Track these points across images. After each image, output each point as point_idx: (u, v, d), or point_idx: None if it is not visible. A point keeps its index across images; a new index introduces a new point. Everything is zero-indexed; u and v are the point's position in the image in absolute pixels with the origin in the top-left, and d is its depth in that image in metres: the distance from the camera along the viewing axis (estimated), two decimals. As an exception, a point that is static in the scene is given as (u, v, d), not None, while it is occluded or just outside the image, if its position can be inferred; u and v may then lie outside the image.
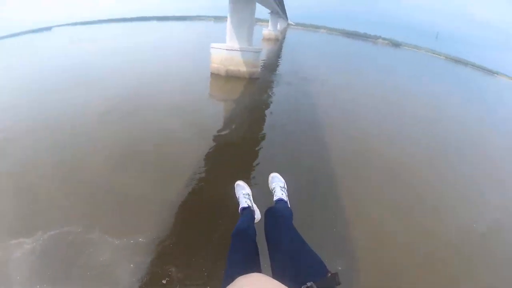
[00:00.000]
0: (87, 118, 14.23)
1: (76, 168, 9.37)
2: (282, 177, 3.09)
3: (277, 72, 30.91)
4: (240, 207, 2.87)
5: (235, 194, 3.04)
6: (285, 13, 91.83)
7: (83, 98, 17.61)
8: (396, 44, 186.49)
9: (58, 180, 8.69)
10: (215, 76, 25.13)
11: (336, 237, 7.09)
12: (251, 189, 3.16)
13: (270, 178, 3.06)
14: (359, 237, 7.20)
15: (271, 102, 19.37)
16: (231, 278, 1.49)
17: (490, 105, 37.50)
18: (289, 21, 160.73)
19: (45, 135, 11.89)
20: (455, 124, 22.62)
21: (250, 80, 25.03)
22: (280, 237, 1.93)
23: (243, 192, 2.97)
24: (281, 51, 52.73)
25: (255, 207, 2.96)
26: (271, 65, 35.35)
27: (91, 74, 23.79)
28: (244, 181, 3.10)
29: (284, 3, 58.54)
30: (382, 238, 7.48)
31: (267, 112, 17.43)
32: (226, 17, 25.04)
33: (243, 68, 24.90)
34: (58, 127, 12.85)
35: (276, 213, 2.28)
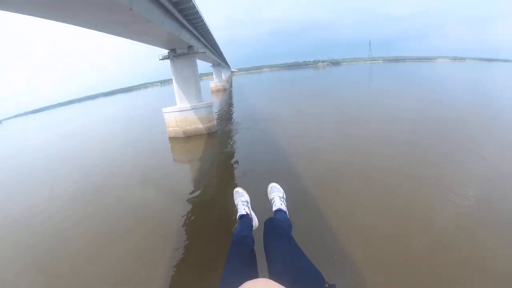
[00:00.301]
0: (59, 204, 14.01)
1: (53, 262, 9.23)
2: (281, 187, 3.10)
3: (233, 120, 31.77)
4: (238, 214, 2.86)
5: (233, 201, 3.05)
6: (227, 63, 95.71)
7: (48, 185, 17.36)
8: (335, 63, 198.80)
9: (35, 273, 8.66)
10: (173, 139, 25.41)
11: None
12: (249, 196, 3.15)
13: (269, 188, 3.06)
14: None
15: (235, 151, 19.85)
16: (228, 285, 1.54)
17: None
18: (232, 69, 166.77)
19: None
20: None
21: (209, 135, 25.54)
22: (278, 249, 1.96)
23: (242, 199, 2.97)
24: (231, 99, 54.21)
25: (253, 215, 2.96)
26: (226, 114, 36.31)
27: (51, 161, 23.46)
28: (243, 188, 3.11)
29: (223, 53, 61.51)
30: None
31: (233, 161, 17.83)
32: (171, 80, 26.04)
33: (199, 125, 25.51)
34: (28, 221, 12.67)
35: (275, 225, 2.28)
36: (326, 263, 7.33)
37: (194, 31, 24.75)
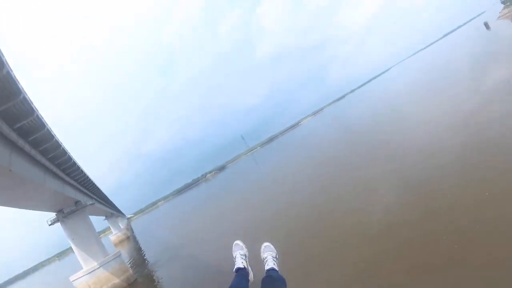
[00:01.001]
0: None
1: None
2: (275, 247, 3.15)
3: (149, 262, 29.42)
4: (235, 267, 2.85)
5: (232, 252, 3.07)
6: (120, 211, 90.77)
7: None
8: (221, 168, 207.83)
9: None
10: (97, 308, 21.46)
11: None
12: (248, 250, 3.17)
13: (262, 247, 3.09)
14: None
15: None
16: None
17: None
18: (128, 215, 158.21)
19: None
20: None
21: (131, 285, 22.62)
22: None
23: (241, 253, 2.99)
24: (138, 244, 51.44)
25: (249, 269, 2.96)
26: (139, 260, 33.52)
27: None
28: (242, 242, 3.15)
29: (114, 201, 58.72)
30: None
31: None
32: (69, 248, 23.02)
33: (116, 280, 22.37)
34: None
35: (273, 279, 2.45)
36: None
37: (79, 186, 23.50)
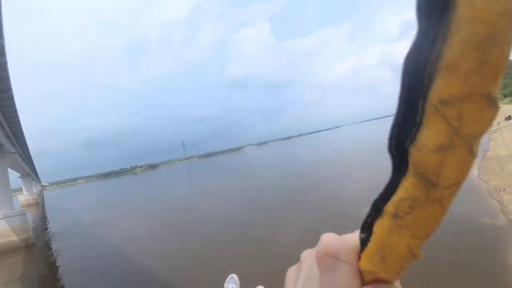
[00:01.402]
0: None
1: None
2: None
3: (52, 232, 27.67)
4: None
5: (224, 283, 3.12)
6: (37, 175, 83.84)
7: None
8: (153, 166, 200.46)
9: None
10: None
11: None
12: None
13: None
14: None
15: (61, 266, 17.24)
16: None
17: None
18: (43, 183, 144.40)
19: None
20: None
21: (28, 249, 20.94)
22: None
23: (233, 287, 3.05)
24: (45, 213, 48.21)
25: None
26: (42, 227, 31.53)
27: None
28: (238, 278, 3.20)
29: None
30: None
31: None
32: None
33: (14, 238, 20.63)
34: None
35: None
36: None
37: (5, 125, 21.66)
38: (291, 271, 0.35)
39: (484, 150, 28.56)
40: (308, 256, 0.33)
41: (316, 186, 26.42)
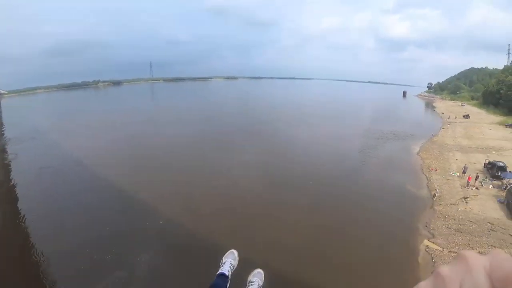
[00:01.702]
0: None
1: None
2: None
3: (7, 137, 27.60)
4: (220, 271, 2.81)
5: (223, 257, 3.03)
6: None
7: None
8: (117, 83, 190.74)
9: None
10: None
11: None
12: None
13: (255, 271, 3.03)
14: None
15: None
16: None
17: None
18: (1, 90, 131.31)
19: None
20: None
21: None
22: None
23: (232, 263, 2.97)
24: (2, 119, 45.85)
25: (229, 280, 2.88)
26: None
27: None
28: (238, 254, 3.10)
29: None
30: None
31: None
32: None
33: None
34: None
35: None
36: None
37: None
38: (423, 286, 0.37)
39: (432, 135, 32.34)
40: (454, 274, 0.31)
41: (269, 121, 29.70)
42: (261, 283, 2.86)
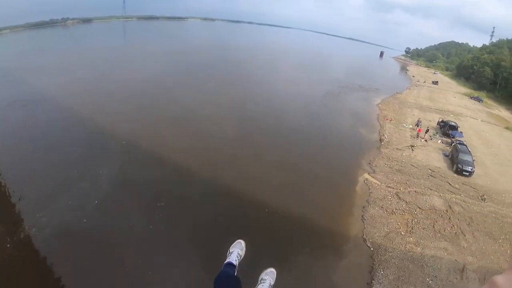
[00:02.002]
0: None
1: None
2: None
3: None
4: (227, 261, 2.84)
5: (230, 246, 3.03)
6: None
7: None
8: (87, 21, 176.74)
9: None
10: None
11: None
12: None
13: (267, 270, 3.00)
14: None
15: None
16: None
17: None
18: None
19: None
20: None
21: None
22: None
23: (239, 253, 2.96)
24: None
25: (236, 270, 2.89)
26: None
27: None
28: (245, 244, 3.11)
29: None
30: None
31: None
32: None
33: None
34: None
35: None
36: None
37: None
38: None
39: (397, 92, 33.16)
40: (509, 284, 0.34)
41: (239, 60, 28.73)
42: (272, 283, 2.86)
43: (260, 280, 2.81)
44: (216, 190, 10.67)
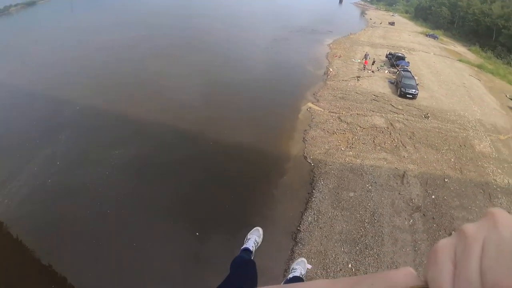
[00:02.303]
0: None
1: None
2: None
3: None
4: (244, 247, 2.89)
5: (247, 233, 3.09)
6: None
7: None
8: (30, 4, 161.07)
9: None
10: None
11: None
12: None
13: (299, 259, 3.19)
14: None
15: None
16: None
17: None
18: None
19: None
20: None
21: None
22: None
23: (256, 240, 3.01)
24: None
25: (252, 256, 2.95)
26: None
27: None
28: (263, 231, 3.17)
29: None
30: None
31: None
32: None
33: None
34: None
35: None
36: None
37: None
38: (444, 244, 0.34)
39: (351, 33, 33.36)
40: (478, 231, 0.32)
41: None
42: (303, 272, 2.97)
43: (292, 270, 3.00)
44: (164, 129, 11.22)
